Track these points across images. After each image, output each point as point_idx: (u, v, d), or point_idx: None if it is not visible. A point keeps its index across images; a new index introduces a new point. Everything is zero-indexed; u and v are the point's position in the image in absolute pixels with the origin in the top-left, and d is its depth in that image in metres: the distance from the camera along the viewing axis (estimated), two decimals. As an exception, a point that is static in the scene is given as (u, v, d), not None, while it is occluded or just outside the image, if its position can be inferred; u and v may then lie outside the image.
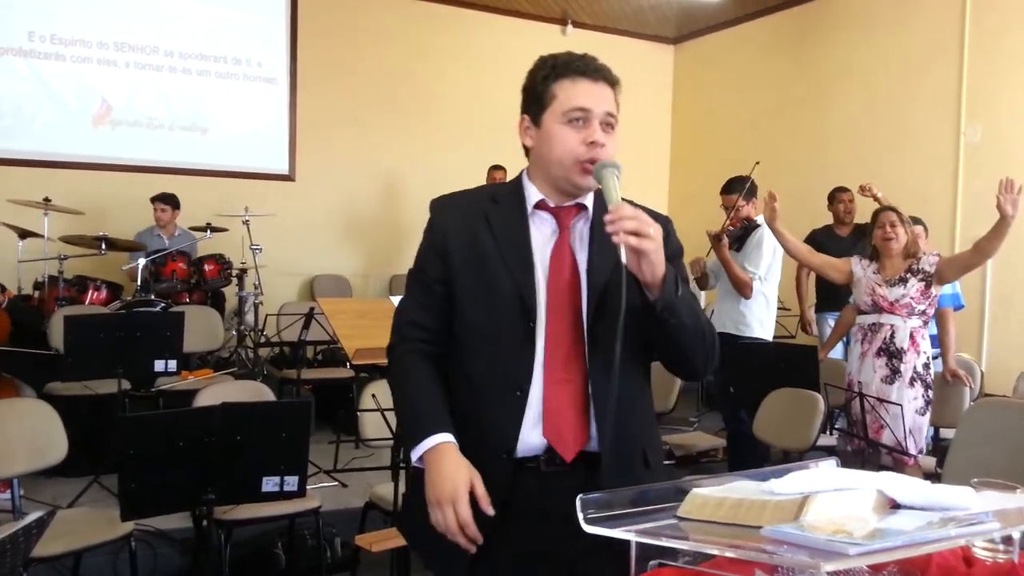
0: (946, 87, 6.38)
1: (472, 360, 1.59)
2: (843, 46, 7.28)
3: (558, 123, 1.54)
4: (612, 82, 1.58)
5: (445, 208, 1.66)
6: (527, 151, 1.64)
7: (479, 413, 1.56)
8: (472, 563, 1.50)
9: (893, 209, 3.95)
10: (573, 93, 1.53)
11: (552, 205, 1.59)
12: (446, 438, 1.51)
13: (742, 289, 4.48)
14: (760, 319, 4.56)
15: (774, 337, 4.76)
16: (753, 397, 4.09)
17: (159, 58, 6.98)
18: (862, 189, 4.93)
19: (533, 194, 1.60)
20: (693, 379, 1.67)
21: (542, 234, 1.59)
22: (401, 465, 3.15)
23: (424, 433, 1.52)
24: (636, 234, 1.37)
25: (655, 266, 1.41)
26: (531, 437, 1.53)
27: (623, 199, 1.44)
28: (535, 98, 1.58)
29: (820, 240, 5.59)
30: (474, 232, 1.60)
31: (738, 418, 4.47)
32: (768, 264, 4.49)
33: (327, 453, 3.92)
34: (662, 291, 1.44)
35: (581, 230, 1.60)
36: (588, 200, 1.61)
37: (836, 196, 5.71)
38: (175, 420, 2.73)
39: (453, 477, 1.46)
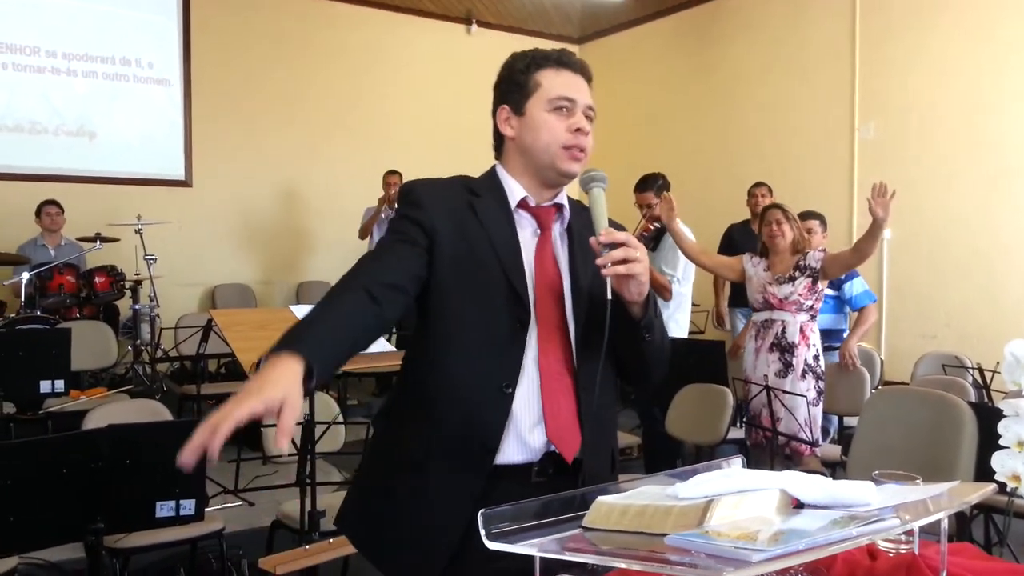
0: (840, 86, 6.62)
1: (452, 355, 1.49)
2: (740, 46, 7.47)
3: (543, 110, 1.53)
4: (589, 78, 1.60)
5: (428, 190, 1.55)
6: (501, 143, 1.61)
7: (460, 411, 1.47)
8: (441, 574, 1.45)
9: (779, 206, 4.06)
10: (558, 82, 1.55)
11: (533, 204, 1.56)
12: (299, 361, 1.21)
13: (661, 293, 4.43)
14: (677, 319, 4.58)
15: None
16: (665, 394, 4.11)
17: (40, 59, 6.60)
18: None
19: (516, 190, 1.56)
20: (642, 388, 1.70)
21: (525, 233, 1.56)
22: (308, 481, 3.04)
23: (290, 345, 1.23)
24: (624, 261, 1.38)
25: (642, 287, 1.42)
26: (530, 439, 1.47)
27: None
28: (516, 87, 1.56)
29: (735, 236, 5.72)
30: (462, 219, 1.52)
31: (652, 415, 4.49)
32: (684, 264, 4.49)
33: (233, 470, 3.77)
34: (644, 311, 1.47)
35: (560, 232, 1.59)
36: (564, 199, 1.60)
37: (751, 191, 5.83)
38: (56, 446, 2.54)
39: (276, 385, 1.17)
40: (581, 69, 1.60)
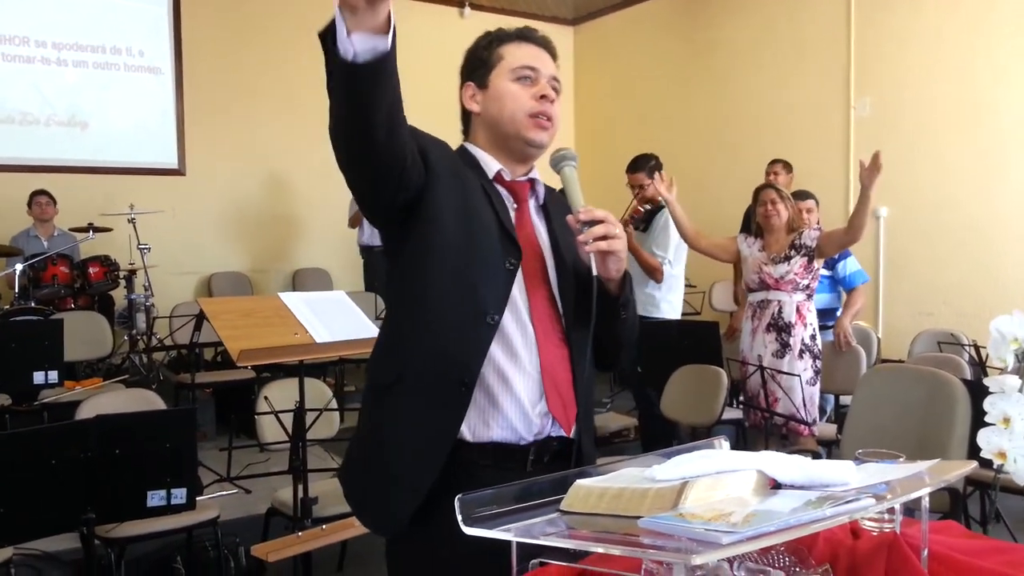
0: (835, 63, 6.57)
1: (436, 280, 1.44)
2: (735, 26, 7.42)
3: (507, 80, 1.52)
4: (553, 54, 1.59)
5: (421, 132, 1.48)
6: (469, 120, 1.59)
7: (437, 340, 1.42)
8: (411, 521, 1.41)
9: (772, 186, 4.07)
10: (520, 53, 1.54)
11: (507, 179, 1.55)
12: None
13: (653, 275, 4.44)
14: (669, 300, 4.56)
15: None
16: (660, 375, 4.11)
17: (30, 49, 6.54)
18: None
19: (490, 163, 1.54)
20: (611, 370, 1.68)
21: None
22: (299, 467, 3.04)
23: None
24: (605, 237, 1.38)
25: (621, 263, 1.44)
26: (532, 414, 1.43)
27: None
28: (479, 63, 1.56)
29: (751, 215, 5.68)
30: (454, 164, 1.49)
31: (647, 397, 4.49)
32: (676, 245, 4.47)
33: (232, 458, 3.78)
34: (622, 287, 1.49)
35: (535, 208, 1.59)
36: (537, 174, 1.60)
37: (767, 169, 5.78)
38: (44, 437, 2.54)
39: None
40: (544, 43, 1.58)
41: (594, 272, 1.40)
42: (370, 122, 1.27)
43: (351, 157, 1.35)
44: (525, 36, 1.57)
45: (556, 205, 1.60)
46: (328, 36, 1.22)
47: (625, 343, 1.59)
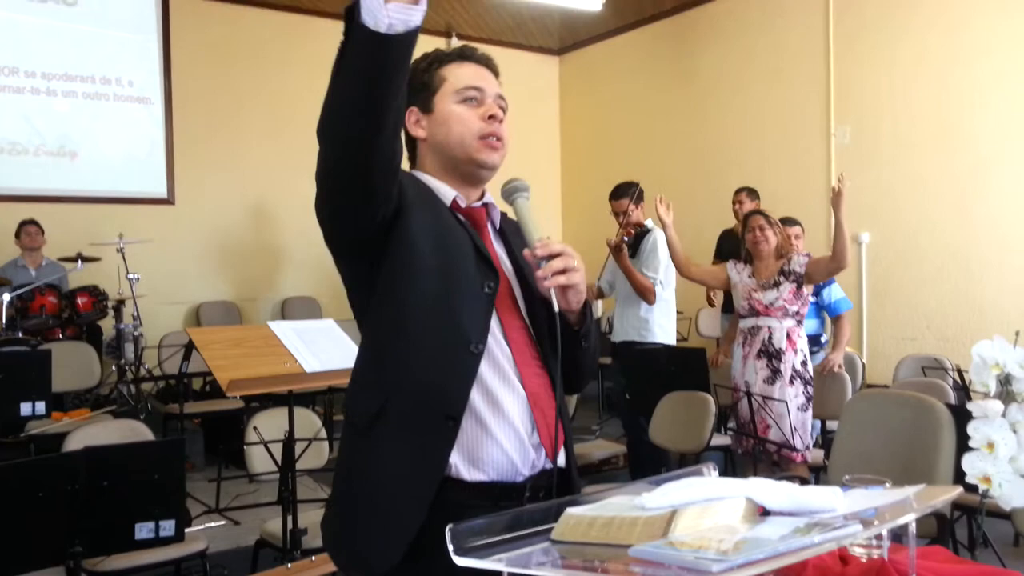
0: (815, 91, 6.67)
1: (415, 307, 1.38)
2: (717, 55, 7.53)
3: (452, 103, 1.47)
4: (496, 72, 1.54)
5: None
6: (415, 146, 1.53)
7: (419, 371, 1.36)
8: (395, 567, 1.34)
9: (761, 212, 4.08)
10: (463, 73, 1.49)
11: (463, 205, 1.49)
12: None
13: (646, 295, 4.47)
14: (662, 324, 4.58)
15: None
16: (649, 402, 4.11)
17: (19, 79, 6.55)
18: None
19: (445, 191, 1.48)
20: (572, 394, 1.65)
21: None
22: (288, 497, 3.02)
23: None
24: (564, 271, 1.34)
25: (580, 295, 1.40)
26: (530, 446, 1.38)
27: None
28: (421, 86, 1.49)
29: (723, 242, 5.75)
30: (422, 191, 1.45)
31: (637, 425, 4.49)
32: (665, 266, 4.51)
33: (221, 489, 3.75)
34: (582, 319, 1.46)
35: (493, 234, 1.55)
36: (491, 198, 1.55)
37: (733, 198, 5.85)
38: (31, 469, 2.52)
39: None
40: (486, 62, 1.54)
41: (555, 308, 1.36)
42: (385, 108, 1.22)
43: (352, 150, 1.28)
44: (465, 55, 1.53)
45: (513, 233, 1.56)
46: (356, 9, 1.16)
47: (586, 370, 1.57)
